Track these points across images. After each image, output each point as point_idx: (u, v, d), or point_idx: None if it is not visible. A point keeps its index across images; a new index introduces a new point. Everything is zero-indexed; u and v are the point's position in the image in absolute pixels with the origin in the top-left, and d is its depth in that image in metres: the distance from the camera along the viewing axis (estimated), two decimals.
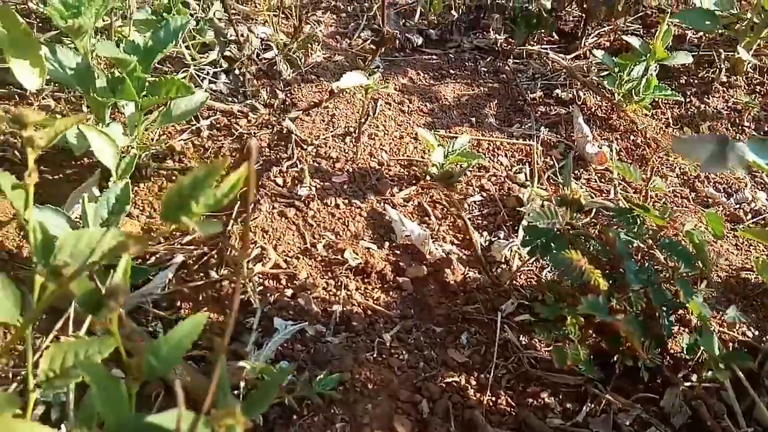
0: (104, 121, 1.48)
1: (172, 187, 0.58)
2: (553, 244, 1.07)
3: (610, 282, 1.02)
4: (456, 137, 1.56)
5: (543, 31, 2.03)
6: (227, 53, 1.94)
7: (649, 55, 1.60)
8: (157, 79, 1.42)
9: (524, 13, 1.97)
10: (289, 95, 1.77)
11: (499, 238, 1.37)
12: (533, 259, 1.25)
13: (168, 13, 1.84)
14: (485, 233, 1.40)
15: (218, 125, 1.72)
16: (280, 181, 1.49)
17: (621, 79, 1.67)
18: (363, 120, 1.57)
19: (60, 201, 1.53)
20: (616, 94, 1.71)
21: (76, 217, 1.28)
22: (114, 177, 1.41)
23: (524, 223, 1.36)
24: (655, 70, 1.65)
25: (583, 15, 2.02)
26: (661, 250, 1.12)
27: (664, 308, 1.05)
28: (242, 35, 1.96)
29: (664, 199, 1.49)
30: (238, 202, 1.43)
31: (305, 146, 1.58)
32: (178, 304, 1.24)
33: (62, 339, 1.17)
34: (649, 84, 1.64)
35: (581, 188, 1.54)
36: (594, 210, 1.40)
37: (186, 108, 1.55)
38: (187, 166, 1.60)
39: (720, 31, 1.77)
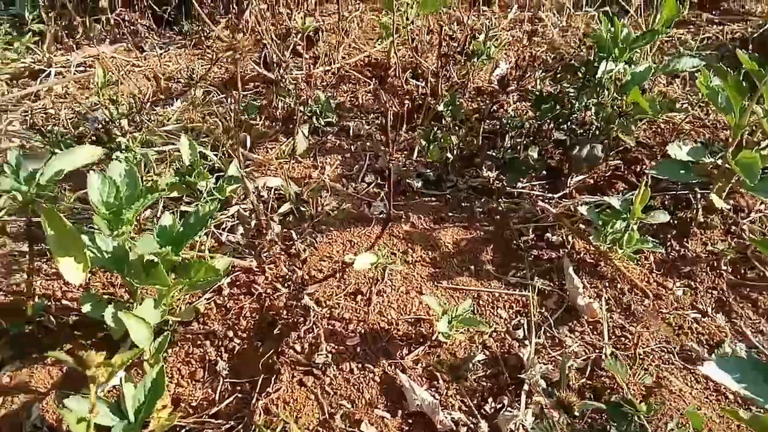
0: (138, 299, 1.62)
1: None
2: None
3: None
4: (457, 287, 1.70)
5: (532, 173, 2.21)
6: (243, 205, 2.10)
7: (629, 214, 1.76)
8: (186, 261, 1.57)
9: (514, 160, 2.15)
10: (303, 251, 1.92)
11: (503, 404, 1.49)
12: None
13: (190, 176, 2.01)
14: (489, 399, 1.52)
15: (238, 282, 1.86)
16: (298, 347, 1.62)
17: (605, 233, 1.83)
18: (373, 288, 1.71)
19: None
20: (602, 246, 1.87)
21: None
22: (147, 355, 1.54)
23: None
24: (636, 224, 1.81)
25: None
26: None
27: None
28: (257, 188, 2.14)
29: (651, 356, 1.62)
30: (262, 376, 1.55)
31: (320, 308, 1.72)
32: None
33: None
34: (631, 238, 1.80)
35: (574, 342, 1.67)
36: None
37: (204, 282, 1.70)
38: (211, 329, 1.72)
39: (694, 181, 1.94)
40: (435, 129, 2.34)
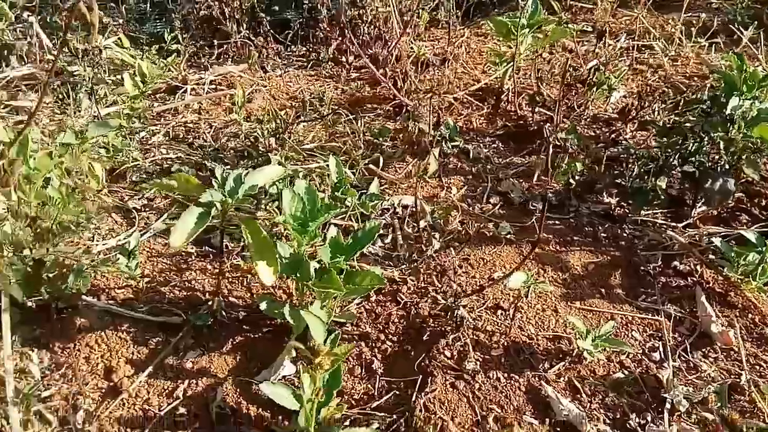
0: (303, 301, 1.83)
1: None
2: None
3: None
4: (590, 309, 1.82)
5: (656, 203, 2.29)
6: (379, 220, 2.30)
7: (764, 248, 1.83)
8: (354, 269, 1.77)
9: (640, 189, 2.25)
10: (441, 266, 2.09)
11: (647, 420, 1.59)
12: None
13: (338, 191, 2.22)
14: (633, 414, 1.62)
15: (383, 290, 2.05)
16: (448, 353, 1.78)
17: (738, 264, 1.90)
18: (516, 302, 1.86)
19: (262, 358, 1.87)
20: (733, 277, 1.94)
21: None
22: (322, 349, 1.74)
23: None
24: None
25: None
26: None
27: None
28: (393, 205, 2.33)
29: None
30: (420, 376, 1.72)
31: (465, 319, 1.87)
32: None
33: None
34: (765, 270, 1.86)
35: (710, 367, 1.75)
36: None
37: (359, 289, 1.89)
38: (364, 331, 1.91)
39: None
40: (559, 155, 2.46)
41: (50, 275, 1.79)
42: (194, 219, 1.61)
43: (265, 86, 3.67)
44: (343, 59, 3.86)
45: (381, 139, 2.65)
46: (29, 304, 1.88)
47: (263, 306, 1.85)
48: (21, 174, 1.90)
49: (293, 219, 1.70)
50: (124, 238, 2.28)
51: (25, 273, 1.72)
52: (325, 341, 1.72)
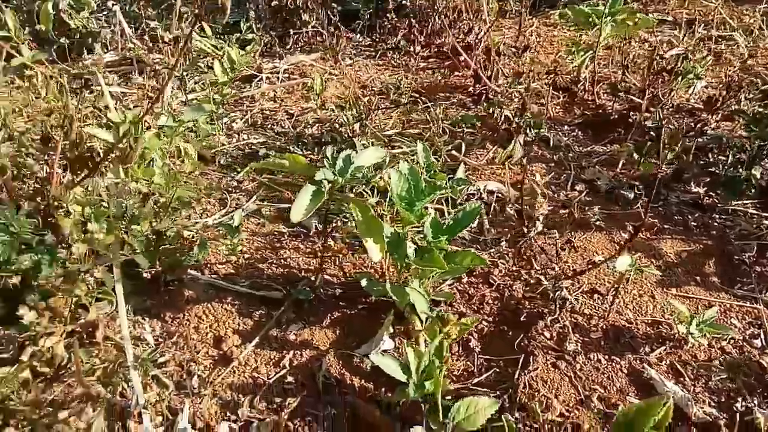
0: (401, 279, 1.88)
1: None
2: None
3: None
4: (687, 296, 1.82)
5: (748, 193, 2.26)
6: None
7: None
8: (455, 250, 1.81)
9: (733, 179, 2.22)
10: (534, 248, 2.11)
11: (755, 404, 1.59)
12: None
13: (433, 178, 2.26)
14: (739, 398, 1.62)
15: (475, 272, 2.08)
16: (547, 335, 1.81)
17: None
18: (617, 286, 1.87)
19: (359, 333, 1.94)
20: None
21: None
22: (421, 326, 1.79)
23: None
24: None
25: None
26: None
27: None
28: (478, 190, 2.36)
29: None
30: (522, 356, 1.75)
31: (563, 301, 1.90)
32: None
33: None
34: None
35: None
36: None
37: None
38: (457, 310, 1.96)
39: None
40: (646, 143, 2.45)
41: (168, 247, 1.89)
42: (309, 196, 1.68)
43: (337, 75, 3.74)
44: (411, 49, 3.90)
45: (464, 125, 2.69)
46: (144, 275, 1.99)
47: (364, 282, 1.92)
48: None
49: (400, 199, 1.75)
50: (222, 217, 2.38)
51: (147, 244, 1.83)
52: (427, 317, 1.78)
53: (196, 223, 2.06)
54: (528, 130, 2.61)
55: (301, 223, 2.39)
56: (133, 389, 1.72)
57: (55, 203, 1.90)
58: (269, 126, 3.19)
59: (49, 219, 1.95)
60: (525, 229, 2.02)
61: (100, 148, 2.24)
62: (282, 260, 2.21)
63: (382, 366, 1.64)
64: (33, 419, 1.49)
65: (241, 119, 3.28)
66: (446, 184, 2.27)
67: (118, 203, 1.73)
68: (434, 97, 3.22)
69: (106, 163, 1.97)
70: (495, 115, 2.67)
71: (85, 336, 1.89)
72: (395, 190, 1.73)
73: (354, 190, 2.40)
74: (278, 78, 3.75)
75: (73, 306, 1.74)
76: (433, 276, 1.91)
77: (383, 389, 1.75)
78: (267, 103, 3.46)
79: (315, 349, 1.88)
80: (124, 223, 1.83)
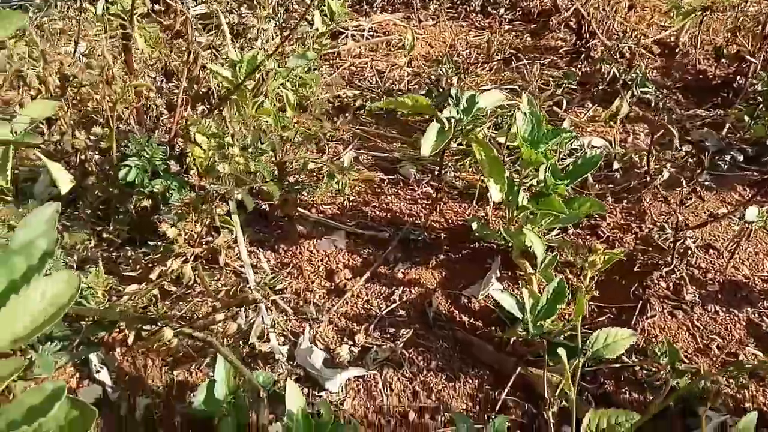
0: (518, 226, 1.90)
1: None
2: None
3: None
4: None
5: None
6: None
7: None
8: (573, 195, 1.82)
9: None
10: (650, 204, 2.10)
11: None
12: None
13: None
14: None
15: (581, 224, 2.08)
16: (663, 285, 1.80)
17: None
18: (738, 240, 1.84)
19: (464, 276, 1.98)
20: None
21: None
22: (533, 270, 1.82)
23: None
24: None
25: None
26: None
27: None
28: (582, 145, 2.34)
29: None
30: (639, 303, 1.76)
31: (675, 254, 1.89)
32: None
33: None
34: None
35: None
36: None
37: (568, 218, 1.94)
38: (566, 259, 1.97)
39: None
40: (757, 107, 2.38)
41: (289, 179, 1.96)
42: (435, 133, 1.71)
43: (421, 35, 3.74)
44: (495, 11, 3.85)
45: (566, 81, 2.66)
46: (263, 206, 2.07)
47: (474, 225, 1.95)
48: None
49: (524, 140, 1.76)
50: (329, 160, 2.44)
51: (271, 175, 1.90)
52: (542, 261, 1.80)
53: (319, 157, 2.12)
54: (634, 88, 2.56)
55: (400, 172, 2.43)
56: (256, 311, 1.80)
57: (182, 133, 1.99)
58: (357, 81, 3.22)
59: (174, 149, 2.05)
60: (633, 183, 2.00)
61: (215, 87, 2.33)
62: (384, 205, 2.26)
63: (501, 301, 1.67)
64: (190, 321, 1.58)
65: (329, 75, 3.33)
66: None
67: (254, 134, 1.80)
68: (526, 56, 3.18)
69: (226, 99, 2.05)
70: (599, 71, 2.63)
71: (206, 261, 1.99)
72: (520, 130, 1.74)
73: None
74: (363, 35, 3.77)
75: (200, 230, 1.83)
76: (542, 224, 1.93)
77: (494, 327, 1.79)
78: (354, 59, 3.49)
79: (423, 287, 1.93)
80: (250, 154, 1.91)
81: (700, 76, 2.87)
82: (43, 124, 1.94)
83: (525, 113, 1.75)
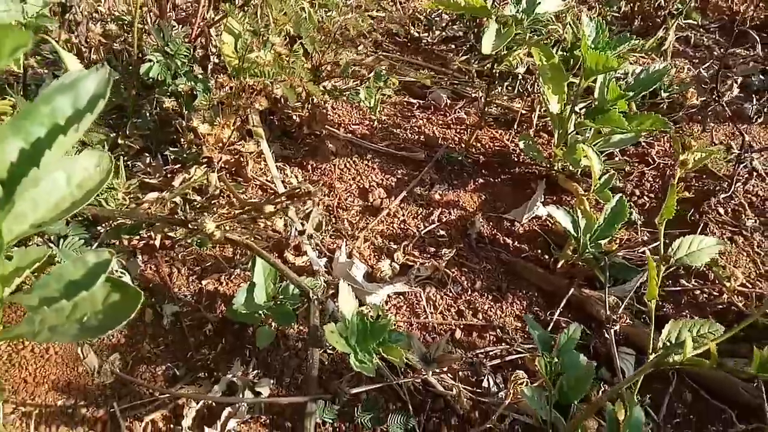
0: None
1: None
2: None
3: None
4: None
5: None
6: None
7: None
8: (635, 113, 1.70)
9: None
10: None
11: None
12: None
13: None
14: None
15: (628, 151, 1.97)
16: (721, 210, 1.70)
17: None
18: None
19: (505, 200, 1.86)
20: None
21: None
22: (594, 188, 1.70)
23: None
24: None
25: None
26: None
27: None
28: (625, 73, 2.22)
29: None
30: (698, 229, 1.66)
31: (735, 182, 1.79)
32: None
33: None
34: None
35: None
36: None
37: (622, 140, 1.83)
38: (615, 186, 1.86)
39: None
40: None
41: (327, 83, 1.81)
42: (494, 33, 1.56)
43: None
44: None
45: (608, 9, 2.52)
46: (287, 123, 1.92)
47: (522, 144, 1.82)
48: None
49: (589, 47, 1.62)
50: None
51: (309, 76, 1.74)
52: (600, 179, 1.69)
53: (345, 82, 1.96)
54: (681, 18, 2.44)
55: (431, 97, 2.29)
56: (289, 221, 1.67)
57: (207, 31, 1.82)
58: (375, 8, 3.04)
59: (196, 51, 1.88)
60: (681, 114, 1.88)
61: None
62: (416, 128, 2.12)
63: (556, 216, 1.56)
64: (236, 215, 1.45)
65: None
66: None
67: (295, 22, 1.63)
68: None
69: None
70: (641, 3, 2.49)
71: (229, 175, 1.85)
72: (585, 37, 1.60)
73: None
74: None
75: (229, 134, 1.68)
76: (593, 147, 1.81)
77: (539, 251, 1.69)
78: None
79: (462, 209, 1.81)
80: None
81: (735, 18, 2.75)
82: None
83: (590, 17, 1.62)
